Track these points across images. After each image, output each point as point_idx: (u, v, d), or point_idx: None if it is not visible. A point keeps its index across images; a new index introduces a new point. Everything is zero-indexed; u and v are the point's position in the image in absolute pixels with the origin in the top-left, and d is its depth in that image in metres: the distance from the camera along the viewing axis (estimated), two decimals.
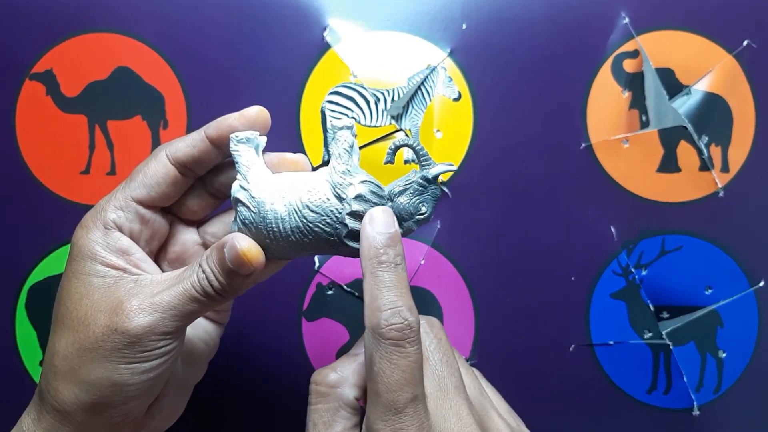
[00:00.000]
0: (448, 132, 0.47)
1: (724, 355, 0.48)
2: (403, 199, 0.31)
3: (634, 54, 0.48)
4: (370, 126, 0.47)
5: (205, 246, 0.35)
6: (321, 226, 0.30)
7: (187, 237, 0.35)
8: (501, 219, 0.47)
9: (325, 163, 0.47)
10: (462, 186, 0.47)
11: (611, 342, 0.48)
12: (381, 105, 0.47)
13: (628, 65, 0.48)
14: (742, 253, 0.48)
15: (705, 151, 0.48)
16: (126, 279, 0.31)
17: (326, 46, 0.47)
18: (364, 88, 0.47)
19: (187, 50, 0.47)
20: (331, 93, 0.47)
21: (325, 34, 0.47)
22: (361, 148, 0.47)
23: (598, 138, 0.48)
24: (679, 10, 0.48)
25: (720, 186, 0.48)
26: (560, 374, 0.47)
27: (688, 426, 0.48)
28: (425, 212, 0.31)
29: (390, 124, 0.47)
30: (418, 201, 0.31)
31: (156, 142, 0.47)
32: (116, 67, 0.47)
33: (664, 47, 0.48)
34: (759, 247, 0.48)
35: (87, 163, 0.47)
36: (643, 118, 0.48)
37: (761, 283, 0.48)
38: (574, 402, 0.48)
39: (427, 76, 0.47)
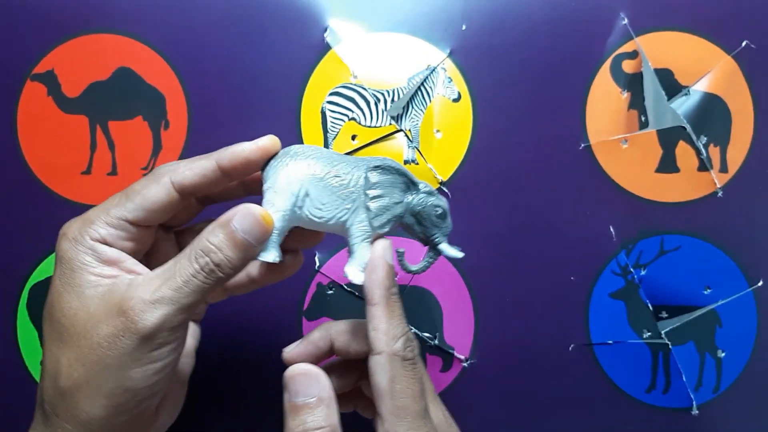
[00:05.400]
0: (448, 132, 0.47)
1: (723, 354, 0.48)
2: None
3: (633, 55, 0.48)
4: (370, 126, 0.47)
5: (180, 245, 0.36)
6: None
7: (166, 240, 0.36)
8: (500, 219, 0.47)
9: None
10: (462, 186, 0.47)
11: (610, 341, 0.48)
12: (381, 105, 0.47)
13: (627, 66, 0.48)
14: (741, 253, 0.48)
15: (704, 151, 0.48)
16: (117, 284, 0.30)
17: (327, 47, 0.47)
18: (365, 89, 0.47)
19: (187, 51, 0.47)
20: (332, 94, 0.47)
21: (325, 35, 0.47)
22: (360, 148, 0.47)
23: (598, 138, 0.48)
24: (678, 11, 0.48)
25: (719, 186, 0.48)
26: (560, 374, 0.47)
27: (687, 425, 0.48)
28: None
29: (390, 124, 0.47)
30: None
31: (157, 143, 0.47)
32: (117, 68, 0.47)
33: (662, 48, 0.48)
34: (757, 247, 0.48)
35: (88, 163, 0.47)
36: (642, 119, 0.48)
37: (760, 283, 0.48)
38: (573, 401, 0.48)
39: (426, 77, 0.47)
